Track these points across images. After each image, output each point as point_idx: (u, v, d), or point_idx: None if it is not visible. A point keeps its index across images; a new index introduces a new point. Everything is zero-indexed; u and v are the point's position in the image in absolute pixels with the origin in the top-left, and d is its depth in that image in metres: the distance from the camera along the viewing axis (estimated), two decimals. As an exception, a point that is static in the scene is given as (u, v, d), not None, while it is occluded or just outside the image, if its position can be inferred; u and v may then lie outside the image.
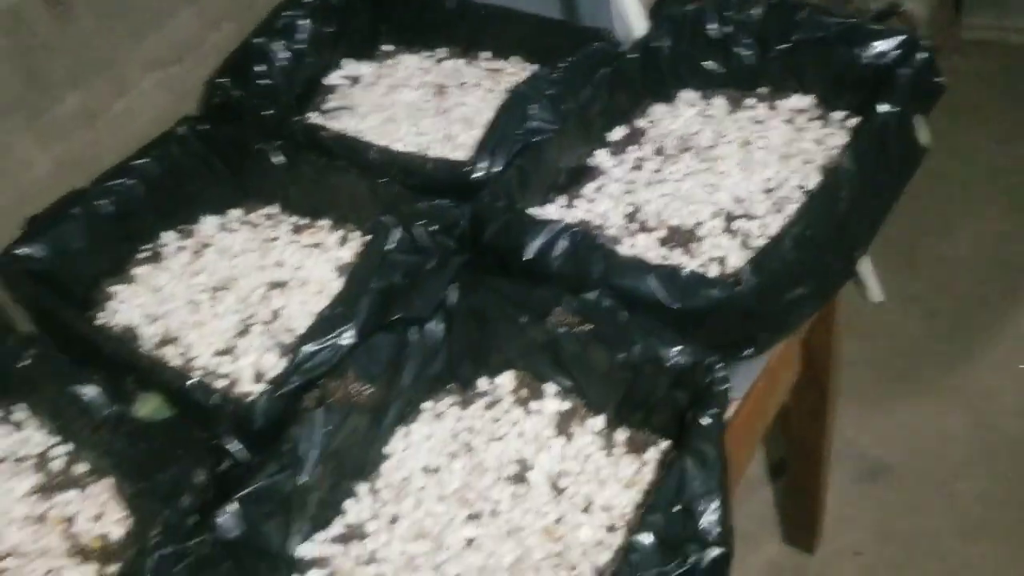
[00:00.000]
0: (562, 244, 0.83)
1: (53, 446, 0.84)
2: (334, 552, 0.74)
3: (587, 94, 0.98)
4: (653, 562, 0.61)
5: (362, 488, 0.79)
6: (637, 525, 0.65)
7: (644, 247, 0.90)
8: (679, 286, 0.77)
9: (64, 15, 1.08)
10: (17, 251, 0.92)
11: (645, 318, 0.76)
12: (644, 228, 0.93)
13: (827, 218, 0.83)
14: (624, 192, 0.98)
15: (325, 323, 0.78)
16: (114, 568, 0.74)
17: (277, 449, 0.72)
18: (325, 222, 1.02)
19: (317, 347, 0.77)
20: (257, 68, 1.08)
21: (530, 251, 0.83)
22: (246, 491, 0.69)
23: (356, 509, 0.77)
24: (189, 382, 0.76)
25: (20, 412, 0.88)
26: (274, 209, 1.06)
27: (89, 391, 0.78)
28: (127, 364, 0.82)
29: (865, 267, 1.87)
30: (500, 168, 0.91)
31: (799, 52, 1.02)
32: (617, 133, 1.04)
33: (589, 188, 0.99)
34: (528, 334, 0.80)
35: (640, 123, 1.06)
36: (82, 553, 0.75)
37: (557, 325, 0.77)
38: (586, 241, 0.82)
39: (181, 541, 0.66)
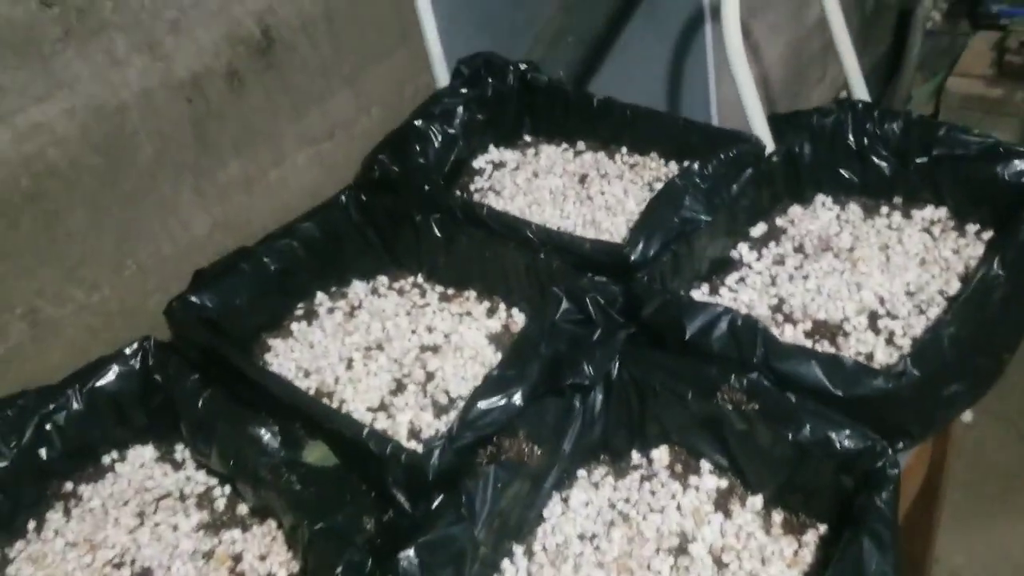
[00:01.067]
0: (722, 326, 0.85)
1: (215, 487, 0.87)
2: (493, 610, 0.75)
3: (736, 190, 1.03)
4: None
5: (518, 550, 0.80)
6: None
7: (791, 338, 0.93)
8: (843, 374, 0.79)
9: (238, 88, 1.17)
10: (189, 298, 0.97)
11: (811, 401, 0.78)
12: (790, 320, 0.96)
13: (980, 319, 0.86)
14: (767, 284, 1.01)
15: (497, 383, 0.81)
16: (281, 608, 0.75)
17: (450, 501, 0.74)
18: (471, 292, 1.07)
19: (489, 405, 0.79)
20: (415, 147, 1.15)
21: (691, 330, 0.85)
22: (426, 539, 0.71)
23: (512, 570, 0.79)
24: (366, 431, 0.79)
25: (181, 452, 0.91)
26: (419, 279, 1.11)
27: (265, 434, 0.81)
28: (295, 410, 0.85)
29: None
30: (655, 252, 0.95)
31: (937, 166, 1.06)
32: (759, 229, 1.08)
33: (731, 279, 1.03)
34: (689, 409, 0.82)
35: (779, 221, 1.09)
36: (249, 591, 0.77)
37: (726, 403, 0.78)
38: (747, 324, 0.84)
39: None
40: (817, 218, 1.09)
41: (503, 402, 0.80)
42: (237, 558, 0.80)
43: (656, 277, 0.94)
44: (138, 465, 0.91)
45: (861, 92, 1.35)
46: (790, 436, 0.76)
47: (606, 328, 0.86)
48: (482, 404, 0.79)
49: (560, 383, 0.81)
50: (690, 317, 0.87)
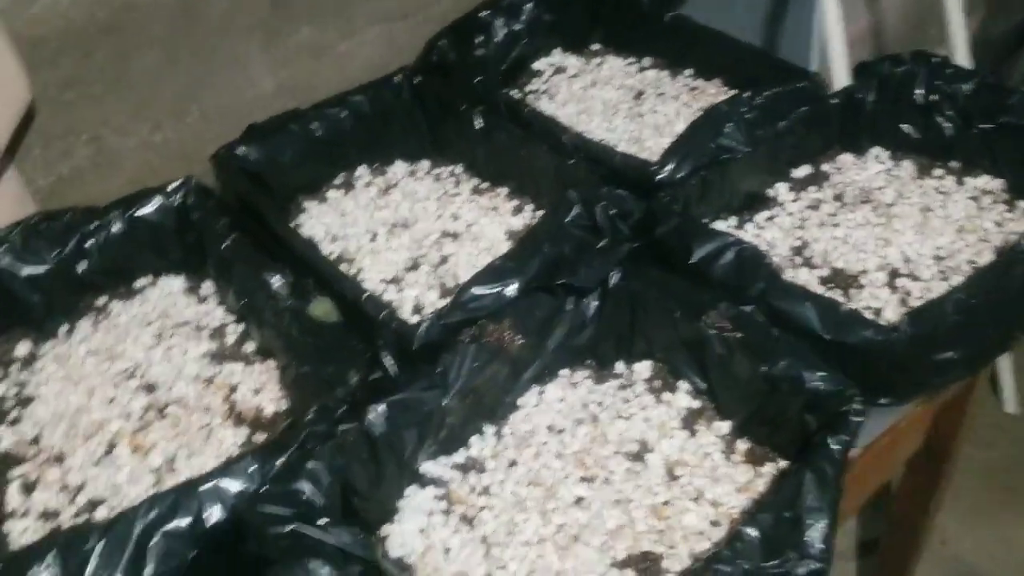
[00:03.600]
0: (728, 255, 0.86)
1: (229, 323, 0.94)
2: (452, 476, 0.80)
3: (783, 127, 1.01)
4: (754, 555, 0.64)
5: (489, 429, 0.84)
6: (743, 523, 0.68)
7: (804, 281, 0.93)
8: (835, 319, 0.80)
9: (318, -46, 1.19)
10: (236, 150, 1.03)
11: (795, 340, 0.78)
12: (808, 264, 0.95)
13: (995, 291, 0.84)
14: (795, 226, 1.01)
15: (494, 272, 0.84)
16: (262, 436, 0.81)
17: (429, 370, 0.78)
18: (503, 189, 1.09)
19: (483, 291, 0.83)
20: (476, 39, 1.16)
21: (697, 254, 0.87)
22: (397, 397, 0.76)
23: (479, 446, 0.83)
24: (364, 295, 0.83)
25: (207, 288, 0.98)
26: (458, 168, 1.14)
27: (277, 281, 0.86)
28: (310, 267, 0.90)
29: (1006, 375, 1.82)
30: (684, 174, 0.95)
31: (1001, 134, 1.02)
32: (801, 171, 1.07)
33: (761, 216, 1.03)
34: (677, 329, 0.84)
35: (825, 167, 1.08)
36: (237, 418, 0.84)
37: (710, 326, 0.80)
38: (753, 258, 0.85)
39: (332, 425, 0.73)
40: (866, 170, 1.07)
41: (496, 290, 0.83)
42: (233, 388, 0.86)
43: (679, 199, 0.95)
44: (166, 293, 0.98)
45: (961, 54, 1.30)
46: (765, 368, 0.77)
47: (612, 239, 0.87)
48: (476, 289, 0.83)
49: (553, 280, 0.84)
50: (700, 242, 0.88)
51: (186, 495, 0.68)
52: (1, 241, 0.91)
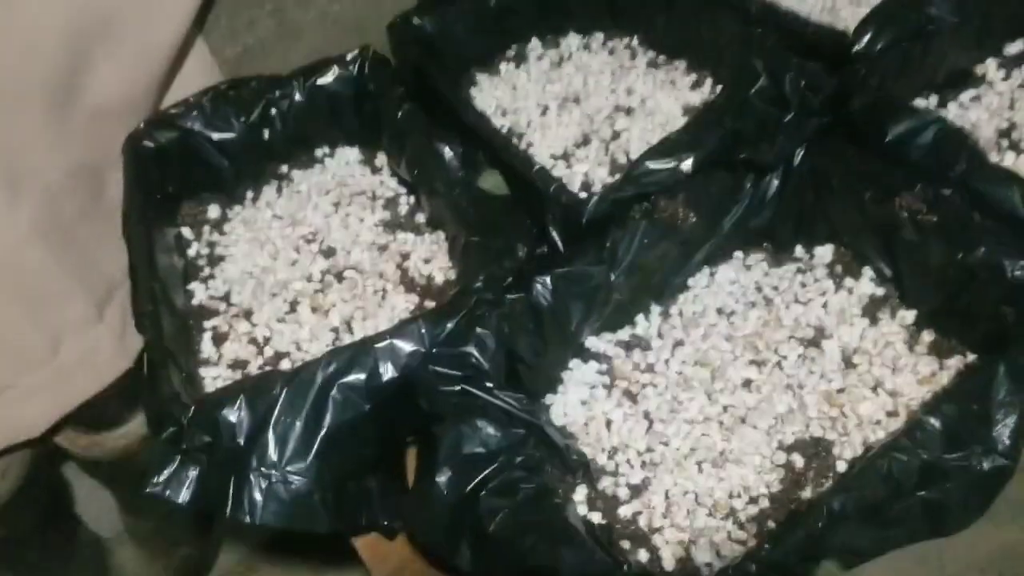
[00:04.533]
0: (927, 135, 0.79)
1: (402, 194, 0.96)
2: (616, 353, 0.80)
3: (998, -6, 0.91)
4: (934, 446, 0.61)
5: (655, 308, 0.83)
6: (924, 412, 0.64)
7: (1010, 165, 0.84)
8: (1048, 206, 0.72)
9: None
10: (412, 18, 1.02)
11: (999, 226, 0.72)
12: (1015, 147, 0.87)
13: None
14: (1004, 107, 0.91)
15: (670, 146, 0.81)
16: (431, 303, 0.84)
17: (597, 244, 0.77)
18: (681, 63, 1.04)
19: (656, 166, 0.80)
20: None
21: (893, 133, 0.80)
22: (563, 270, 0.75)
23: (645, 324, 0.82)
24: (536, 167, 0.82)
25: (381, 159, 1.00)
26: (634, 40, 1.09)
27: (448, 152, 0.87)
28: (481, 140, 0.89)
29: None
30: (882, 47, 0.87)
31: None
32: (1016, 46, 0.96)
33: (966, 95, 0.93)
34: (866, 211, 0.78)
35: (1045, 41, 0.96)
36: (409, 284, 0.86)
37: (903, 208, 0.74)
38: (955, 136, 0.78)
39: (500, 294, 0.74)
40: (1092, 45, 0.95)
41: (671, 165, 0.80)
42: (405, 256, 0.88)
43: (876, 74, 0.87)
44: (343, 163, 1.00)
45: None
46: (960, 255, 0.72)
47: (799, 112, 0.82)
48: (650, 163, 0.80)
49: (734, 155, 0.80)
50: (896, 119, 0.81)
51: (363, 352, 0.71)
52: (192, 107, 0.95)
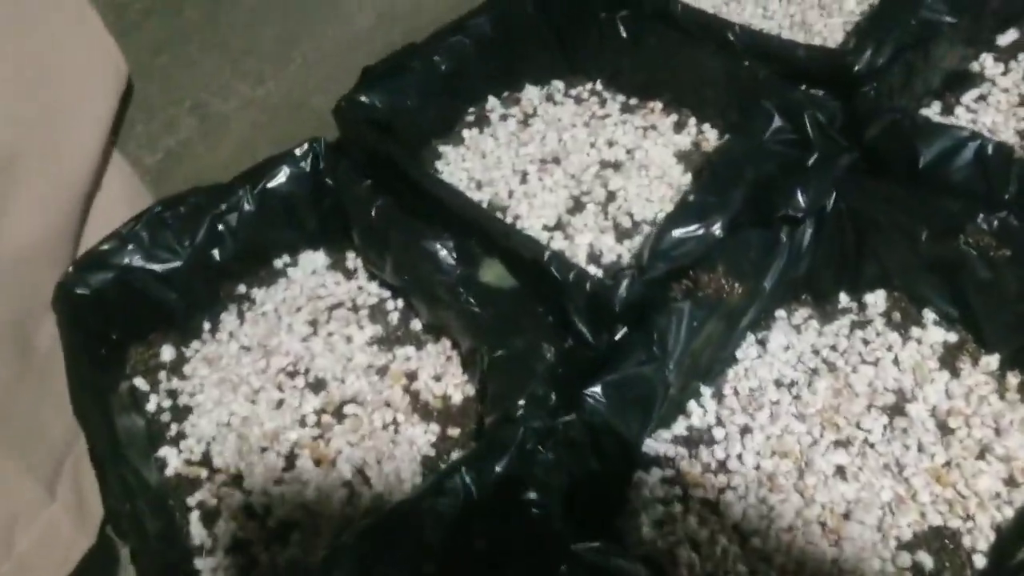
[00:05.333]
0: (966, 154, 0.72)
1: (387, 298, 0.84)
2: (679, 453, 0.70)
3: (993, -14, 0.85)
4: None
5: (706, 391, 0.73)
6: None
7: (1044, 170, 0.78)
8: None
9: None
10: (358, 98, 0.91)
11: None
12: (1043, 149, 0.81)
13: None
14: (1014, 105, 0.85)
15: (694, 209, 0.72)
16: (456, 431, 0.72)
17: (644, 337, 0.67)
18: (656, 104, 0.96)
19: (684, 234, 0.71)
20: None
21: (926, 157, 0.73)
22: (616, 376, 0.65)
23: (699, 412, 0.72)
24: (547, 253, 0.72)
25: (352, 260, 0.88)
26: (598, 85, 1.00)
27: (441, 249, 0.76)
28: (470, 225, 0.78)
29: None
30: (885, 61, 0.80)
31: None
32: (1007, 37, 0.91)
33: (969, 96, 0.87)
34: (920, 250, 0.71)
35: (1036, 28, 0.91)
36: (424, 411, 0.74)
37: (971, 245, 0.67)
38: (1000, 153, 0.71)
39: (545, 416, 0.64)
40: (1084, 25, 0.90)
41: (701, 231, 0.71)
42: (412, 376, 0.77)
43: (885, 92, 0.80)
44: (310, 271, 0.88)
45: None
46: (1048, 290, 0.64)
47: (824, 151, 0.74)
48: (676, 232, 0.71)
49: (767, 212, 0.71)
50: (927, 141, 0.73)
51: (399, 523, 0.59)
52: (126, 239, 0.81)
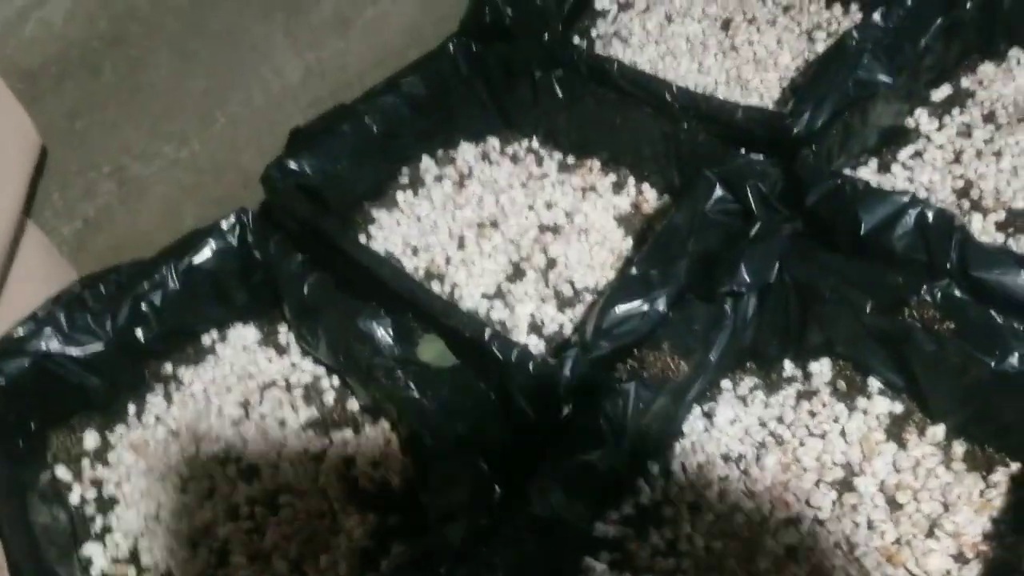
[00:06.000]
0: (907, 221, 0.72)
1: (322, 376, 0.81)
2: (627, 534, 0.68)
3: (923, 45, 0.86)
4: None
5: (654, 467, 0.72)
6: (992, 557, 0.56)
7: (979, 231, 0.79)
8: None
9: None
10: (287, 163, 0.88)
11: (1018, 321, 0.65)
12: (979, 207, 0.81)
13: None
14: (949, 162, 0.86)
15: (636, 284, 0.70)
16: (395, 519, 0.69)
17: (589, 423, 0.65)
18: (594, 162, 0.94)
19: (628, 310, 0.69)
20: (532, -14, 0.99)
21: (867, 224, 0.72)
22: (566, 465, 0.63)
23: (647, 492, 0.71)
24: (488, 332, 0.70)
25: (284, 335, 0.85)
26: (534, 143, 0.99)
27: (377, 328, 0.73)
28: (406, 299, 0.76)
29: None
30: (823, 122, 0.80)
31: None
32: (941, 92, 0.91)
33: (904, 153, 0.88)
34: (864, 321, 0.70)
35: (966, 83, 0.92)
36: (361, 500, 0.71)
37: (916, 319, 0.66)
38: (940, 220, 0.71)
39: (491, 509, 0.61)
40: (1013, 79, 0.92)
41: (645, 307, 0.69)
42: (349, 462, 0.73)
43: (824, 153, 0.80)
44: (240, 348, 0.84)
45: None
46: (993, 364, 0.64)
47: (767, 222, 0.73)
48: (620, 309, 0.69)
49: (711, 286, 0.70)
50: (867, 208, 0.73)
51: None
52: (43, 323, 0.77)
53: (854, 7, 0.99)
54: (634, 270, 0.72)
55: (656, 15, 1.05)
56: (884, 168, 0.87)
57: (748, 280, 0.70)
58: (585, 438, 0.64)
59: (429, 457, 0.67)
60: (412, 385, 0.71)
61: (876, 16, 0.85)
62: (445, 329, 0.74)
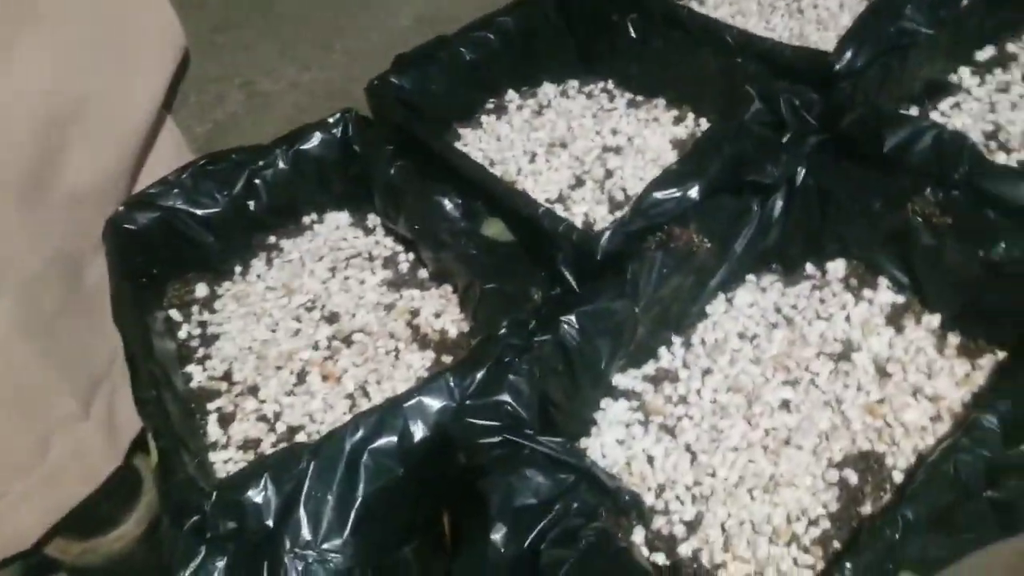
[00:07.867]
0: (926, 140, 0.80)
1: (400, 252, 0.93)
2: (645, 388, 0.78)
3: (967, 5, 0.93)
4: (995, 443, 0.59)
5: (677, 340, 0.81)
6: (967, 420, 0.63)
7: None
8: (1055, 196, 0.73)
9: None
10: (390, 79, 1.01)
11: (1015, 221, 0.72)
12: (1004, 148, 0.88)
13: None
14: (985, 111, 0.93)
15: (675, 176, 0.80)
16: (448, 358, 0.81)
17: (615, 280, 0.75)
18: (660, 100, 1.05)
19: (664, 196, 0.79)
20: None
21: (890, 143, 0.80)
22: (588, 308, 0.73)
23: (668, 357, 0.80)
24: (541, 209, 0.81)
25: (373, 220, 0.98)
26: (610, 84, 1.10)
27: (448, 204, 0.85)
28: (478, 188, 0.88)
29: None
30: (863, 63, 0.89)
31: None
32: (985, 52, 0.99)
33: (945, 104, 0.95)
34: (875, 221, 0.78)
35: (1012, 47, 0.99)
36: (422, 341, 0.83)
37: (917, 214, 0.74)
38: (953, 139, 0.78)
39: (526, 339, 0.72)
40: (1058, 46, 0.98)
41: (678, 194, 0.79)
42: (415, 313, 0.85)
43: (861, 90, 0.88)
44: (334, 227, 0.98)
45: None
46: (982, 253, 0.71)
47: (797, 131, 0.82)
48: (657, 194, 0.79)
49: (741, 184, 0.79)
50: (892, 129, 0.81)
51: (391, 413, 0.68)
52: (172, 185, 0.92)
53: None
54: (674, 166, 0.82)
55: (732, -20, 1.15)
56: (923, 115, 0.95)
57: (772, 174, 0.79)
58: (610, 291, 0.74)
59: (479, 304, 0.79)
60: (474, 249, 0.82)
61: (924, -29, 0.93)
62: (506, 210, 0.85)
